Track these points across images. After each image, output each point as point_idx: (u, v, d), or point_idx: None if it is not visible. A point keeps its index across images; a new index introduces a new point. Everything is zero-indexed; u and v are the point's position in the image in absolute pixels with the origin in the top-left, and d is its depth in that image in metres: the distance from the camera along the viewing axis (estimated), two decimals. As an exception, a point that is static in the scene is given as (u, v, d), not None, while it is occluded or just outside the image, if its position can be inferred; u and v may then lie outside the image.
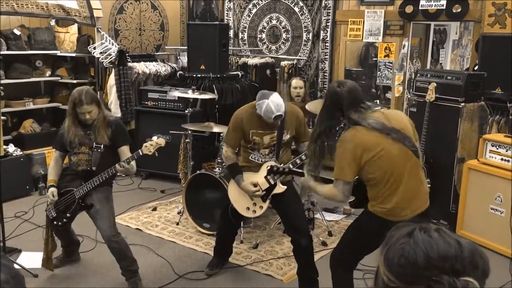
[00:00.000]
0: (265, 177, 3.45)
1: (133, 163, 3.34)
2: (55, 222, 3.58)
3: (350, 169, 2.56)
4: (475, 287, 0.91)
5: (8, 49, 5.79)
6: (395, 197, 2.58)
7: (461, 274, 0.91)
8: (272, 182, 3.44)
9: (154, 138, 3.29)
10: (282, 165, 3.38)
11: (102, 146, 3.43)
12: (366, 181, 2.63)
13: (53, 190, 3.51)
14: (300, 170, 2.92)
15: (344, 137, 2.60)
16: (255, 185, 3.44)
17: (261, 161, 3.53)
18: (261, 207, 3.52)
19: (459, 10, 5.86)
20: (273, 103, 3.25)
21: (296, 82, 5.09)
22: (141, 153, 3.27)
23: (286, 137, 3.49)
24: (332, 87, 2.72)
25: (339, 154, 2.59)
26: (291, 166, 3.38)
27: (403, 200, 2.59)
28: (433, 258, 0.92)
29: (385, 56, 6.70)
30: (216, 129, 4.76)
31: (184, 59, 7.08)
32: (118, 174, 3.45)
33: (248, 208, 3.55)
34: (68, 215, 3.53)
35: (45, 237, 3.69)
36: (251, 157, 3.55)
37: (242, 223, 4.20)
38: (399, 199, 2.59)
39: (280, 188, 3.46)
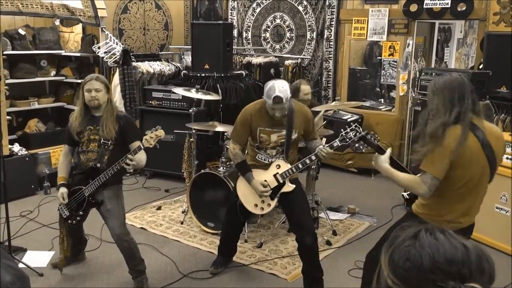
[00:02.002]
0: (274, 175, 3.45)
1: (141, 156, 3.31)
2: (69, 221, 3.59)
3: (443, 166, 2.46)
4: None
5: (13, 49, 5.82)
6: (454, 208, 2.57)
7: (467, 280, 0.89)
8: (281, 181, 3.45)
9: (153, 129, 3.27)
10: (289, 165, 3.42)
11: (109, 142, 3.43)
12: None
13: (63, 192, 3.50)
14: (382, 147, 2.78)
15: (448, 134, 2.45)
16: (264, 185, 3.45)
17: (268, 161, 3.53)
18: (269, 204, 3.53)
19: (464, 8, 5.84)
20: (278, 84, 3.32)
21: (305, 88, 4.83)
22: (142, 147, 3.25)
23: (294, 136, 3.49)
24: (457, 76, 2.58)
25: (438, 148, 2.46)
26: (300, 166, 3.38)
27: (459, 215, 2.58)
28: (439, 262, 0.90)
29: (389, 55, 6.68)
30: (220, 128, 4.76)
31: (188, 59, 7.09)
32: (128, 170, 3.44)
33: (256, 205, 3.56)
34: (80, 213, 3.54)
35: (61, 236, 3.70)
36: (258, 157, 3.56)
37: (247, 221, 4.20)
38: (457, 212, 2.57)
39: (288, 187, 3.46)
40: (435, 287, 0.89)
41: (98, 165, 3.43)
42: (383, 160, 2.70)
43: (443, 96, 2.51)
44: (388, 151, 2.74)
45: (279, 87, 3.29)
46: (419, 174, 2.56)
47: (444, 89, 2.53)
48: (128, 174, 6.11)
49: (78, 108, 3.52)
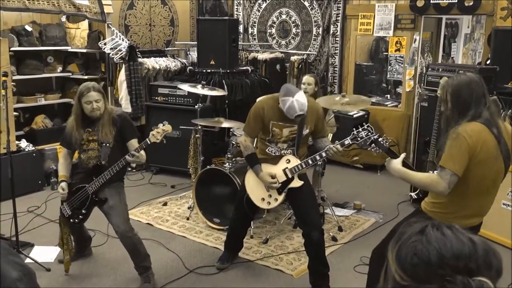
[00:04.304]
0: (283, 170, 3.45)
1: (142, 152, 3.33)
2: (71, 220, 3.60)
3: (462, 161, 2.43)
4: None
5: (19, 45, 5.84)
6: (468, 206, 2.55)
7: (475, 274, 0.89)
8: (290, 176, 3.45)
9: (160, 125, 3.28)
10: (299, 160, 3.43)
11: (110, 141, 3.44)
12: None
13: (63, 184, 3.53)
14: (394, 151, 2.75)
15: (465, 129, 2.44)
16: (272, 176, 3.45)
17: (279, 154, 3.53)
18: (276, 199, 3.52)
19: (471, 3, 5.80)
20: (298, 102, 3.24)
21: (305, 78, 5.00)
22: (149, 142, 3.24)
23: (306, 131, 3.49)
24: (473, 77, 2.54)
25: (455, 144, 2.43)
26: (310, 162, 3.38)
27: (471, 213, 2.56)
28: (447, 257, 0.90)
29: (396, 51, 6.65)
30: (226, 124, 4.76)
31: (194, 55, 7.09)
32: (130, 165, 3.42)
33: (263, 199, 3.56)
34: (83, 211, 3.55)
35: (64, 236, 3.66)
36: (268, 150, 3.55)
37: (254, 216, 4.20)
38: (470, 211, 2.56)
39: (297, 182, 3.46)
40: (443, 281, 0.89)
41: (103, 162, 3.44)
42: (396, 163, 2.67)
43: (461, 98, 2.49)
44: (402, 156, 2.71)
45: (299, 106, 3.23)
46: (436, 171, 2.53)
47: (461, 90, 2.50)
48: (134, 170, 6.13)
49: (74, 118, 3.47)
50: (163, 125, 3.26)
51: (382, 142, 2.88)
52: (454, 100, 2.52)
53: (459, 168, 2.44)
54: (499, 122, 2.54)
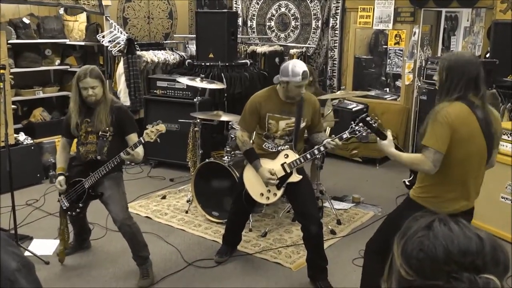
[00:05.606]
0: (282, 165, 3.45)
1: (139, 150, 3.28)
2: (69, 212, 3.61)
3: (444, 139, 2.46)
4: (496, 286, 0.87)
5: (17, 38, 5.82)
6: (452, 189, 2.55)
7: (481, 271, 0.87)
8: (288, 171, 3.44)
9: (155, 124, 3.24)
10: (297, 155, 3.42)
11: (107, 134, 3.43)
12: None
13: (61, 179, 3.51)
14: (384, 132, 2.75)
15: (446, 108, 2.47)
16: (271, 173, 3.44)
17: (276, 150, 3.52)
18: (275, 194, 3.52)
19: (471, -4, 5.78)
20: (298, 61, 3.36)
21: None
22: (143, 141, 3.23)
23: (303, 124, 3.48)
24: (471, 58, 2.55)
25: (436, 122, 2.47)
26: (308, 156, 3.37)
27: (456, 197, 2.56)
28: (453, 253, 0.89)
29: (395, 44, 6.63)
30: (225, 117, 4.75)
31: (192, 48, 7.06)
32: (126, 162, 3.40)
33: (262, 194, 3.55)
34: (80, 204, 3.55)
35: (61, 227, 3.71)
36: (265, 146, 3.55)
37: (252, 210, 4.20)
38: (455, 195, 2.56)
39: (295, 177, 3.45)
40: (449, 278, 0.88)
41: (99, 157, 3.42)
42: (388, 145, 2.68)
43: (452, 75, 2.49)
44: (389, 134, 2.72)
45: (301, 64, 3.33)
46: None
47: (455, 68, 2.50)
48: (132, 164, 6.13)
49: (74, 102, 3.46)
50: (157, 124, 3.23)
51: (371, 122, 2.86)
52: (445, 76, 2.53)
53: (442, 145, 2.46)
54: (488, 107, 2.54)
